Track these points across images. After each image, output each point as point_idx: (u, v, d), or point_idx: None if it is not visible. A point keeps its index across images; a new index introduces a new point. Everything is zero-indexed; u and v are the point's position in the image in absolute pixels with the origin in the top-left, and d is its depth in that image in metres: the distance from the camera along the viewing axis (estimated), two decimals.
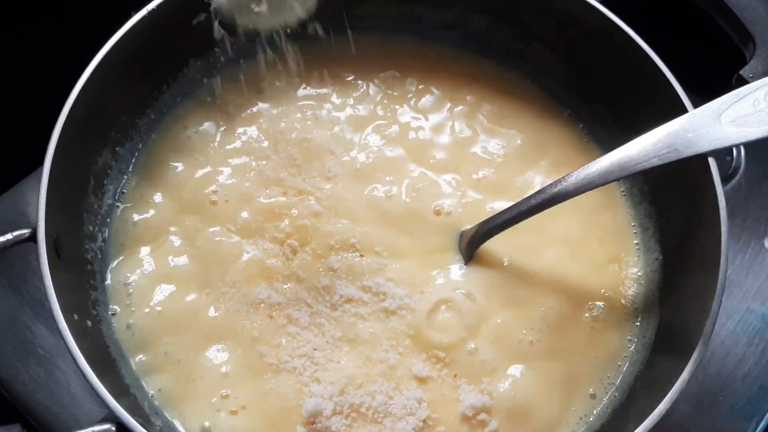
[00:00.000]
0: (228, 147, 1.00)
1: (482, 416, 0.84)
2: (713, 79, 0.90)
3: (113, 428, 0.72)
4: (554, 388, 0.87)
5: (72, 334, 0.74)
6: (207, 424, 0.83)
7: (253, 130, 1.01)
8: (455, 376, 0.87)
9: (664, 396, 0.75)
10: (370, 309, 0.90)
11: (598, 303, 0.93)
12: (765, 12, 0.95)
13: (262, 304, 0.89)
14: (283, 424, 0.83)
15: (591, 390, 0.88)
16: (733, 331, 1.00)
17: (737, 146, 1.09)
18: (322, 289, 0.90)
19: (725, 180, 1.08)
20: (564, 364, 0.89)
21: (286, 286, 0.90)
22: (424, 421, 0.84)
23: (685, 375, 0.76)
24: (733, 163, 1.11)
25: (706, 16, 0.99)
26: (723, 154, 1.09)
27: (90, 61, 0.87)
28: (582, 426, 0.87)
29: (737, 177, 1.10)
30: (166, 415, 0.84)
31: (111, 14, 0.89)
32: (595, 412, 0.87)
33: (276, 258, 0.92)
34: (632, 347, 0.91)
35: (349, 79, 1.07)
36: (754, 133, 0.80)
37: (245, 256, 0.92)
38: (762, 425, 0.95)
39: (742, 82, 0.91)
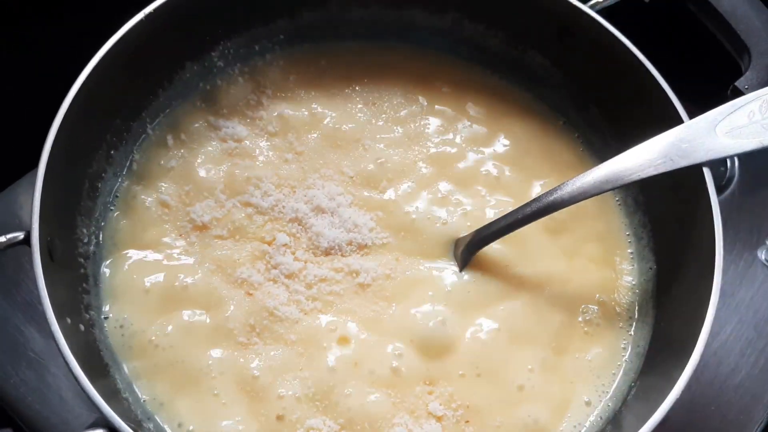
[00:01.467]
0: (222, 151, 1.00)
1: None
2: (709, 89, 0.91)
3: None
4: (549, 392, 0.87)
5: (64, 338, 0.74)
6: (200, 430, 0.83)
7: (244, 133, 1.01)
8: (466, 420, 0.86)
9: (658, 406, 0.75)
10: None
11: (592, 307, 0.93)
12: (760, 23, 0.96)
13: (262, 307, 0.89)
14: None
15: (586, 397, 0.88)
16: (725, 341, 1.00)
17: (731, 157, 1.09)
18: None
19: (719, 190, 1.08)
20: (559, 368, 0.89)
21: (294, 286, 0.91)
22: None
23: (678, 385, 0.76)
24: (727, 174, 1.11)
25: (702, 27, 1.00)
26: (717, 164, 1.10)
27: (89, 62, 0.87)
28: None
29: (731, 187, 1.10)
30: (158, 419, 0.84)
31: (111, 15, 0.89)
32: (589, 421, 0.87)
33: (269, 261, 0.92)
34: (626, 356, 0.91)
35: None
36: (748, 144, 0.80)
37: (238, 258, 0.91)
38: None
39: (738, 93, 0.91)
